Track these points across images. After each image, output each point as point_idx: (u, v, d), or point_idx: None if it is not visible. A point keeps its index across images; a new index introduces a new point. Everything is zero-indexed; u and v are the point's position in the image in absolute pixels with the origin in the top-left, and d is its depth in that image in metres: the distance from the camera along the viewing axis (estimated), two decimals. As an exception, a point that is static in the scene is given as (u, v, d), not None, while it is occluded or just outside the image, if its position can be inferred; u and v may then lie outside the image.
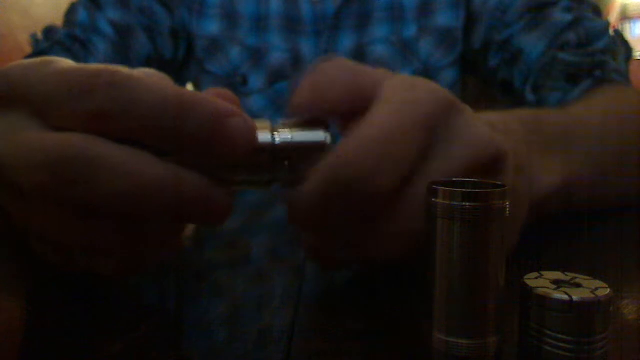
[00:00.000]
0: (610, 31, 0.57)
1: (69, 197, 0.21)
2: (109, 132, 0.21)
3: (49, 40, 0.62)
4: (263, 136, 0.23)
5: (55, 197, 0.21)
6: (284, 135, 0.23)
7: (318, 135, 0.24)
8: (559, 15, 0.58)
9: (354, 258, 0.26)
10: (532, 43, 0.58)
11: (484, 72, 0.67)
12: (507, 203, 0.19)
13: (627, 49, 0.58)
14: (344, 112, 0.25)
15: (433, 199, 0.19)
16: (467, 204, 0.18)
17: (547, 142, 0.35)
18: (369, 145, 0.22)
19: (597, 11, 0.60)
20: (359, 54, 0.67)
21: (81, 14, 0.64)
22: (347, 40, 0.67)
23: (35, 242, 0.25)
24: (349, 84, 0.25)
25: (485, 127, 0.25)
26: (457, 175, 0.23)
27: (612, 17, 2.39)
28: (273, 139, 0.23)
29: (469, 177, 0.21)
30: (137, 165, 0.21)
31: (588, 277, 0.19)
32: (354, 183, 0.22)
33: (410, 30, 0.66)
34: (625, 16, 2.54)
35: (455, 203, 0.18)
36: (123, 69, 0.22)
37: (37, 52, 0.62)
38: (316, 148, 0.24)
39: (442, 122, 0.24)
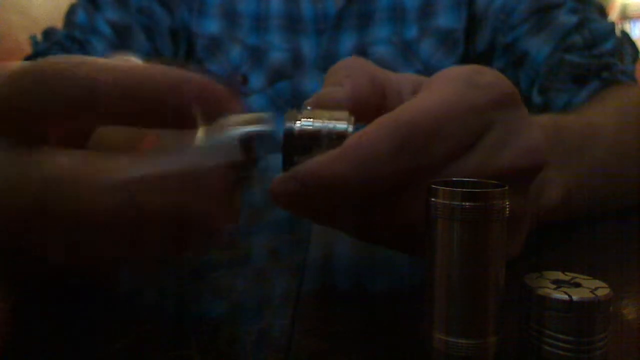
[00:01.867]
0: (617, 32, 0.57)
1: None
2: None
3: (48, 42, 0.62)
4: (286, 124, 0.24)
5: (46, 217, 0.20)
6: (306, 123, 0.24)
7: (341, 124, 0.24)
8: (565, 18, 0.58)
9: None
10: (538, 46, 0.58)
11: None
12: (507, 203, 0.18)
13: (634, 49, 0.58)
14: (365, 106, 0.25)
15: (433, 199, 0.19)
16: (467, 204, 0.18)
17: (561, 156, 0.34)
18: (432, 112, 0.22)
19: (603, 12, 0.60)
20: (361, 55, 0.67)
21: (80, 15, 0.64)
22: (349, 41, 0.67)
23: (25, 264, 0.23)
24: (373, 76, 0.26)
25: (540, 132, 0.25)
26: (496, 173, 0.23)
27: (612, 17, 2.40)
28: (293, 127, 0.24)
29: (505, 180, 0.21)
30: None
31: (588, 277, 0.19)
32: (415, 144, 0.22)
33: (412, 32, 0.66)
34: (625, 16, 2.54)
35: (455, 203, 0.18)
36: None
37: (36, 53, 0.62)
38: (339, 137, 0.24)
39: (501, 114, 0.24)
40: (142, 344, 0.21)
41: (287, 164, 0.24)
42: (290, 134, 0.24)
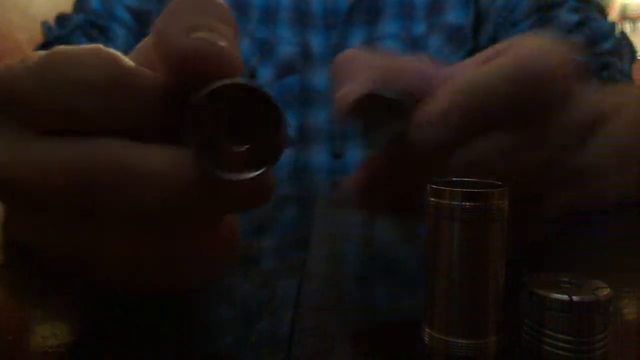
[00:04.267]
0: (617, 32, 0.57)
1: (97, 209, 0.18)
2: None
3: (65, 27, 0.62)
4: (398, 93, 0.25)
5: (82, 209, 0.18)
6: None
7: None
8: (566, 16, 0.58)
9: None
10: None
11: None
12: (507, 203, 0.19)
13: (632, 50, 0.59)
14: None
15: (433, 199, 0.19)
16: (467, 204, 0.18)
17: None
18: (552, 52, 0.26)
19: (603, 12, 0.61)
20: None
21: (94, 2, 0.64)
22: (358, 36, 0.67)
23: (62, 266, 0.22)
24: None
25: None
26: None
27: (612, 17, 2.39)
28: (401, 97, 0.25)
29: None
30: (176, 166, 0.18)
31: (588, 277, 0.19)
32: (541, 76, 0.25)
33: (420, 28, 0.67)
34: (625, 16, 2.54)
35: (455, 203, 0.18)
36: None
37: (52, 39, 0.61)
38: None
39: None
40: (142, 344, 0.21)
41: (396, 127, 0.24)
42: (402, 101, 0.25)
